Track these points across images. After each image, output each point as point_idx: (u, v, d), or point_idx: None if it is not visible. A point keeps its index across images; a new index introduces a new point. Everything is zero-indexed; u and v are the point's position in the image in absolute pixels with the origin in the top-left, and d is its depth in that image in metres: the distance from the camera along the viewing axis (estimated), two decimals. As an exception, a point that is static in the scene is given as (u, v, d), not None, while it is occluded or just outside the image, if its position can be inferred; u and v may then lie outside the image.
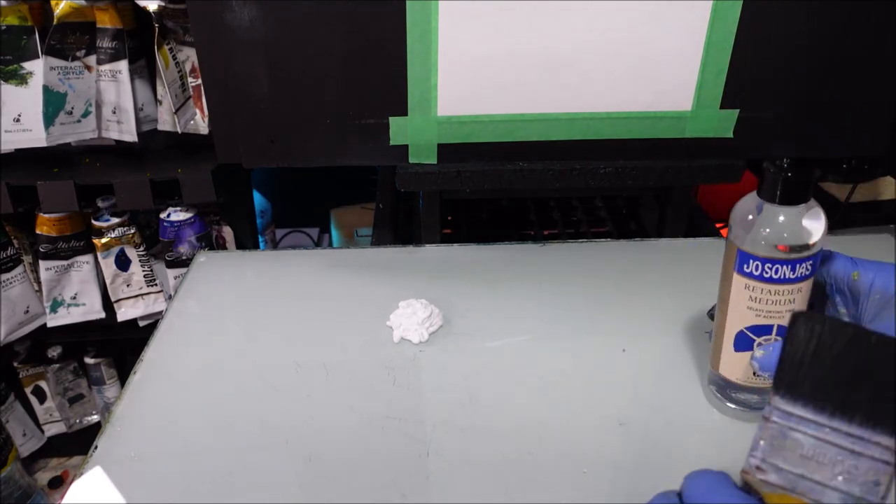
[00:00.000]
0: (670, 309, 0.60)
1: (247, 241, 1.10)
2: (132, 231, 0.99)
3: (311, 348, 0.56)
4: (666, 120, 0.68)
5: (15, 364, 1.17)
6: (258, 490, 0.43)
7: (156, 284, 1.05)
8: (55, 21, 0.83)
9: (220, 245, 1.07)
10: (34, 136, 0.88)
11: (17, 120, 0.88)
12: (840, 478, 0.24)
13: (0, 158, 0.92)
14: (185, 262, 0.98)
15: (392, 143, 0.68)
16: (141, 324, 1.08)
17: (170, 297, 1.04)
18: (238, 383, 0.52)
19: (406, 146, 0.69)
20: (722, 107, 0.67)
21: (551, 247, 0.71)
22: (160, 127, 0.94)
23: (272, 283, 0.66)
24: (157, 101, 0.93)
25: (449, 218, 0.93)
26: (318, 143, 0.69)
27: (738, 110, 0.68)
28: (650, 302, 0.61)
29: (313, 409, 0.49)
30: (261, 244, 1.29)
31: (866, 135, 0.70)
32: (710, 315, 0.49)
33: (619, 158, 0.70)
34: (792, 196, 0.40)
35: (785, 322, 0.41)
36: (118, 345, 1.17)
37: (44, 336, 1.09)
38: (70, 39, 0.85)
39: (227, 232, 1.07)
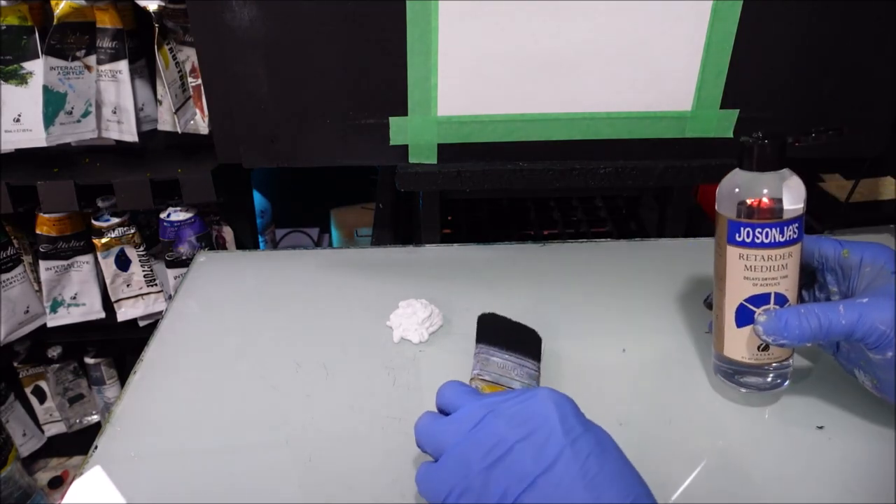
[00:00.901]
0: (670, 309, 0.60)
1: (247, 241, 1.10)
2: (132, 231, 1.00)
3: (311, 348, 0.56)
4: (666, 120, 0.68)
5: (15, 364, 1.17)
6: (258, 490, 0.43)
7: (156, 284, 1.05)
8: (55, 21, 0.83)
9: (220, 245, 1.07)
10: (34, 136, 0.88)
11: (17, 120, 0.88)
12: (517, 378, 0.48)
13: (0, 158, 0.92)
14: (185, 262, 0.98)
15: (392, 143, 0.68)
16: (141, 324, 1.08)
17: (170, 297, 1.04)
18: (238, 383, 0.52)
19: (406, 146, 0.69)
20: (722, 107, 0.67)
21: (551, 247, 0.71)
22: (160, 127, 0.94)
23: (272, 283, 0.66)
24: (157, 101, 0.93)
25: (449, 218, 0.93)
26: (318, 143, 0.69)
27: (738, 110, 0.68)
28: (650, 302, 0.61)
29: (313, 409, 0.49)
30: (261, 244, 1.29)
31: (866, 135, 0.70)
32: (708, 304, 0.50)
33: (619, 158, 0.70)
34: (768, 161, 0.43)
35: (781, 289, 0.43)
36: (118, 345, 1.17)
37: (44, 336, 1.09)
38: (70, 39, 0.85)
39: (227, 232, 1.07)
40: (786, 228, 0.42)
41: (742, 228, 0.43)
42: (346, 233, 1.45)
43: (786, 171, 0.43)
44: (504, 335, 0.52)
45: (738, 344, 0.46)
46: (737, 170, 0.44)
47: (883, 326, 0.40)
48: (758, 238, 0.43)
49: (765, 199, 0.42)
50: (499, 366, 0.49)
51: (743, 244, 0.43)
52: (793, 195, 0.42)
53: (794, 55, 0.65)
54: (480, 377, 0.48)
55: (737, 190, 0.43)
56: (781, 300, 0.44)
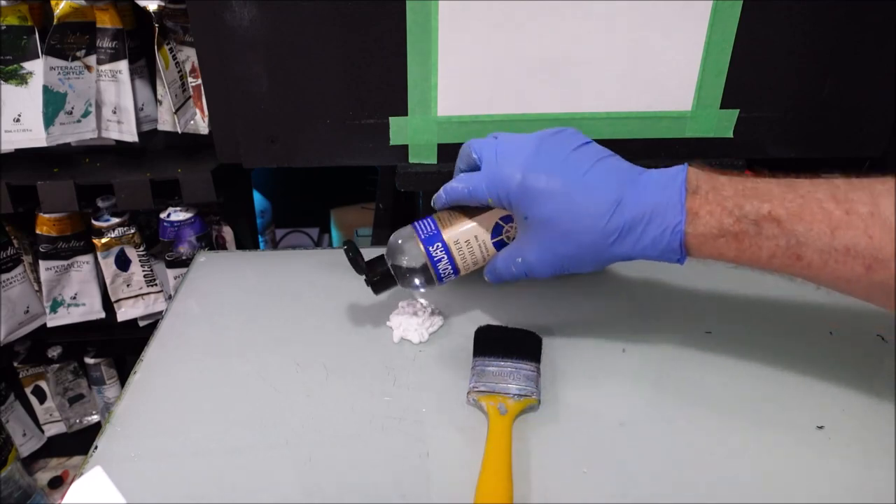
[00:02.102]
0: (670, 308, 0.60)
1: (247, 241, 1.10)
2: (132, 231, 0.99)
3: (311, 348, 0.56)
4: (666, 120, 0.68)
5: (15, 364, 1.17)
6: (258, 490, 0.43)
7: (156, 284, 1.05)
8: (55, 21, 0.83)
9: (220, 245, 1.07)
10: (34, 136, 0.88)
11: (17, 120, 0.88)
12: (513, 382, 0.49)
13: (0, 158, 0.92)
14: (185, 262, 0.98)
15: (392, 143, 0.69)
16: (141, 324, 1.08)
17: (170, 297, 1.04)
18: (238, 383, 0.52)
19: (406, 146, 0.69)
20: (722, 107, 0.67)
21: (551, 247, 0.71)
22: (160, 127, 0.94)
23: (272, 283, 0.66)
24: (157, 101, 0.93)
25: (449, 218, 0.93)
26: (318, 143, 0.69)
27: (738, 110, 0.68)
28: (650, 301, 0.61)
29: (313, 409, 0.49)
30: (261, 244, 1.29)
31: (866, 135, 0.70)
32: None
33: (619, 158, 0.70)
34: (384, 281, 0.55)
35: (476, 248, 0.53)
36: (118, 345, 1.17)
37: (44, 336, 1.09)
38: (70, 39, 0.85)
39: (227, 232, 1.07)
40: (433, 267, 0.52)
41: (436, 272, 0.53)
42: (346, 233, 1.45)
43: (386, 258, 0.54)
44: (500, 343, 0.52)
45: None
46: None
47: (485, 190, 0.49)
48: (444, 273, 0.53)
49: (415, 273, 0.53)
50: (494, 374, 0.49)
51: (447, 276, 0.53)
52: (406, 253, 0.53)
53: (793, 55, 0.65)
54: (476, 389, 0.48)
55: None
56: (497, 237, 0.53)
